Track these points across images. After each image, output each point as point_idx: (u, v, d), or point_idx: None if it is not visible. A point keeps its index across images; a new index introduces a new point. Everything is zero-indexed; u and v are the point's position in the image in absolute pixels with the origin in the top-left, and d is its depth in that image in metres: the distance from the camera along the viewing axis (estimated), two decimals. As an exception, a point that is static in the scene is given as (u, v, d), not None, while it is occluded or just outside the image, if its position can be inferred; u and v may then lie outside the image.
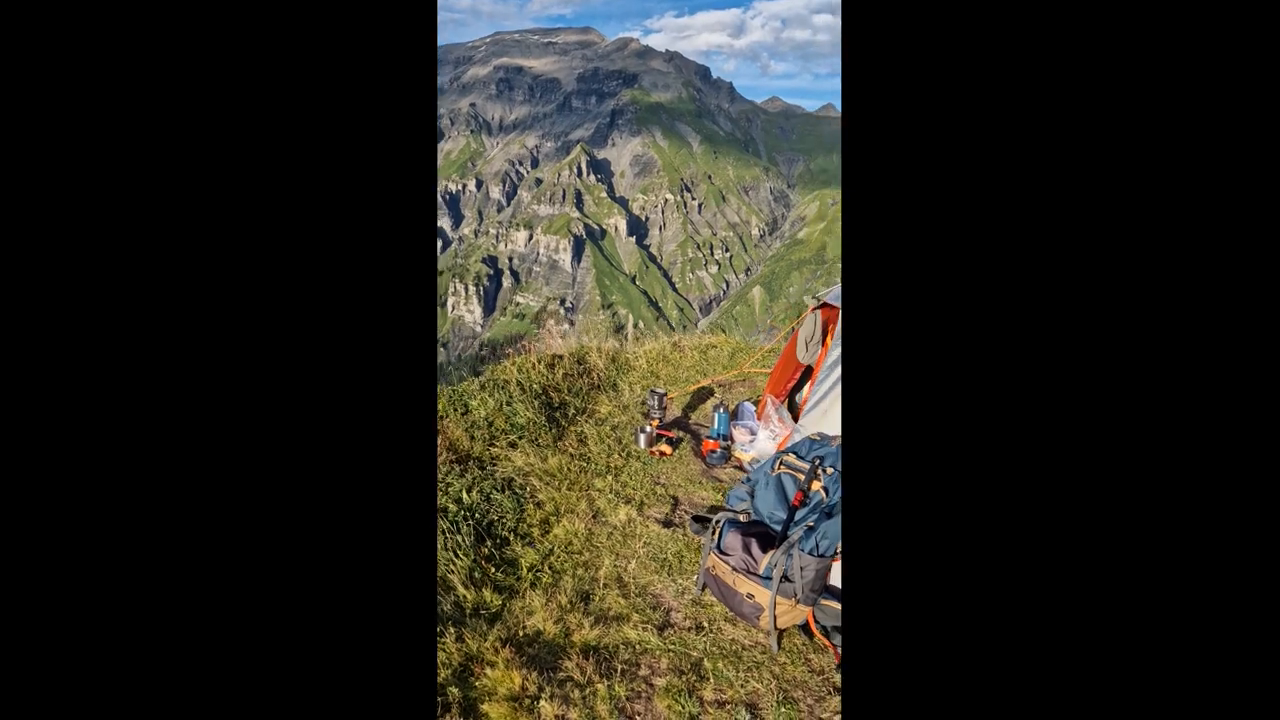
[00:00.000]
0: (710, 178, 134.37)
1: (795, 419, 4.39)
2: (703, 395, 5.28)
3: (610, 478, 3.73)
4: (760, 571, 2.47)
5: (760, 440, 4.32)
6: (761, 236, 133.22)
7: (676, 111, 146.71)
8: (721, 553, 2.62)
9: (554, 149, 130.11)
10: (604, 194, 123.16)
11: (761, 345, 6.45)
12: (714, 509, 3.50)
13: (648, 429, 4.28)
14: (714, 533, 2.71)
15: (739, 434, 4.53)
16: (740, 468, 4.09)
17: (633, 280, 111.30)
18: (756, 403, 5.24)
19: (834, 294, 3.40)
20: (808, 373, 4.40)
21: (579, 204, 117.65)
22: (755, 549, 2.53)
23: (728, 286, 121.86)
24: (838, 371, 3.04)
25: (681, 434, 4.41)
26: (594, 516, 3.35)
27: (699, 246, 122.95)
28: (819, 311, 3.55)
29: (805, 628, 2.48)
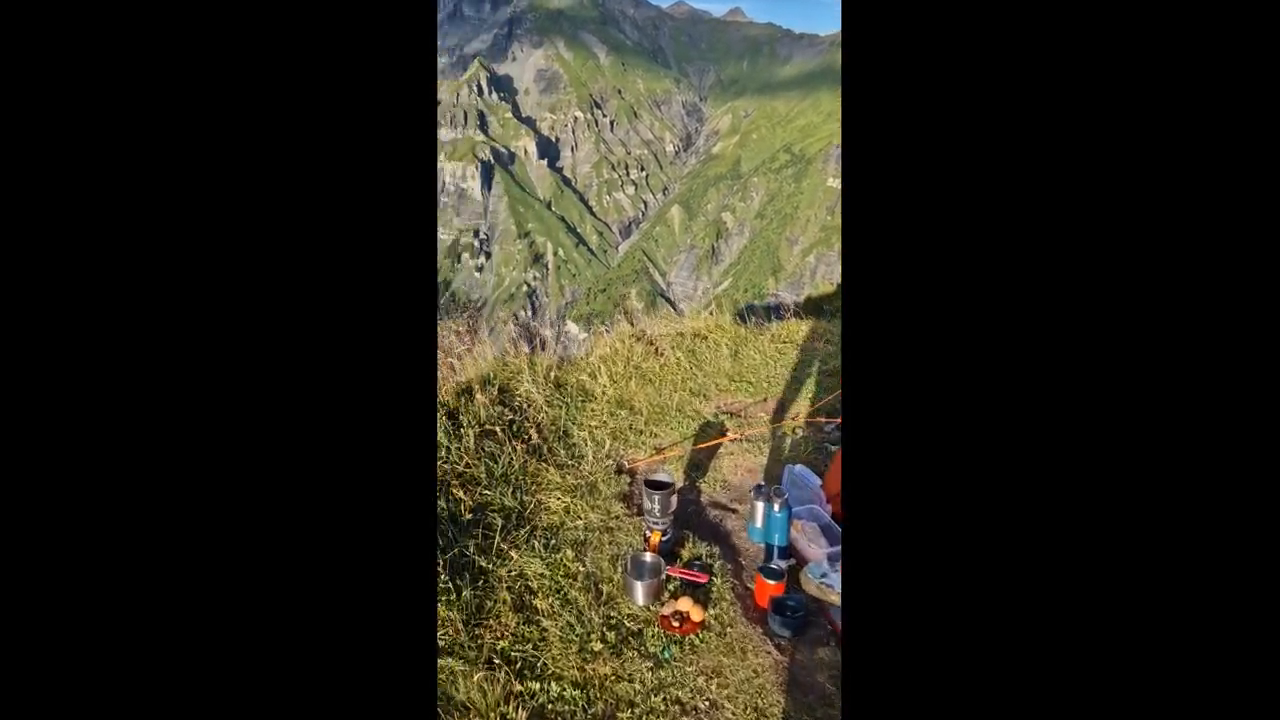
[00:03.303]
0: (620, 92, 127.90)
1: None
2: (711, 447, 3.28)
3: (596, 738, 1.72)
4: None
5: (849, 557, 2.42)
6: (677, 153, 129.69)
7: (579, 20, 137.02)
8: None
9: (448, 64, 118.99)
10: (509, 114, 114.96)
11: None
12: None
13: (648, 559, 2.27)
14: None
15: (804, 543, 2.56)
16: (832, 627, 2.17)
17: (548, 206, 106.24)
18: (797, 463, 3.28)
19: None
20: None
21: (483, 126, 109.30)
22: None
23: (646, 207, 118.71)
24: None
25: (706, 561, 2.42)
26: None
27: (614, 167, 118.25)
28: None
29: None
